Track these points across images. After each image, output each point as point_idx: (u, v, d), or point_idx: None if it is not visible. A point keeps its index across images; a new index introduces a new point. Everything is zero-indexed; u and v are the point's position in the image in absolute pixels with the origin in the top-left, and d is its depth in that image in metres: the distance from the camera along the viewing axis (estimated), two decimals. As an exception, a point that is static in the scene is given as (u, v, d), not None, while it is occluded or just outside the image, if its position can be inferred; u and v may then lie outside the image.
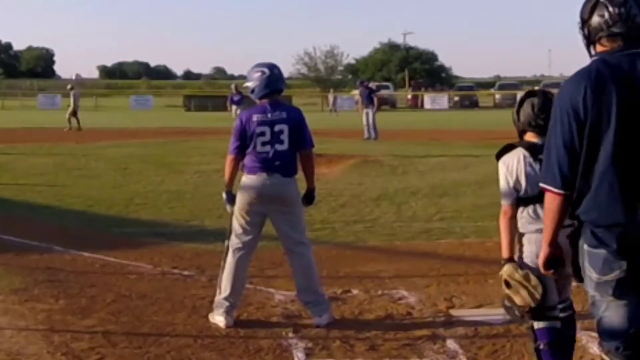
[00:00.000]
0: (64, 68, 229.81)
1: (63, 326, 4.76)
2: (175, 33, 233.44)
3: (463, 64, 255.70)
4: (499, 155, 3.81)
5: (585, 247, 2.76)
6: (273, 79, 4.82)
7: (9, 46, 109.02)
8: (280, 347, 4.43)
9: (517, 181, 3.71)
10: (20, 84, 30.67)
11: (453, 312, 5.11)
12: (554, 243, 2.90)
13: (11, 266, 6.35)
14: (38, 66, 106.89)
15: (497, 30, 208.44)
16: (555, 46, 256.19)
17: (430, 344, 4.48)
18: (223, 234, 8.14)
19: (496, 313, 5.01)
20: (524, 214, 3.73)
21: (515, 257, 3.70)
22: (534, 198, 3.57)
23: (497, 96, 53.71)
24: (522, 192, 3.71)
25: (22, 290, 5.58)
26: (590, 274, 2.74)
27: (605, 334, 2.83)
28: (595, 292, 2.77)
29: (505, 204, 3.78)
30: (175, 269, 6.41)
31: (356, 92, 39.69)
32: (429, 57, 73.09)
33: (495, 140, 20.47)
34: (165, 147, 18.78)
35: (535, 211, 3.63)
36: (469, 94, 54.19)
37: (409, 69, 63.94)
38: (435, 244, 7.49)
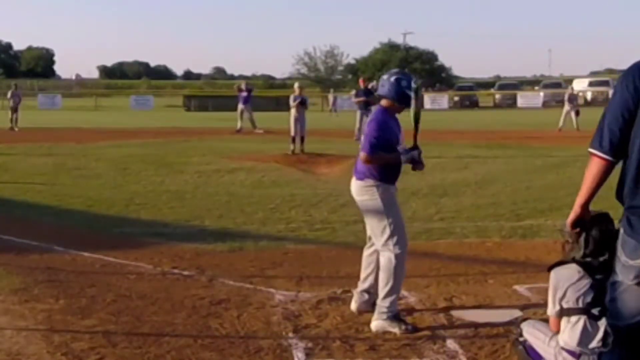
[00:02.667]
0: (64, 68, 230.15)
1: (63, 326, 4.76)
2: (175, 33, 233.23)
3: (463, 64, 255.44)
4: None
5: (621, 231, 3.01)
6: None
7: (9, 46, 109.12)
8: (280, 347, 4.43)
9: None
10: (21, 84, 30.56)
11: (453, 312, 5.10)
12: (586, 206, 3.18)
13: (11, 266, 6.35)
14: (38, 66, 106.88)
15: (497, 30, 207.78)
16: (555, 46, 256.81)
17: (430, 344, 4.48)
18: (223, 234, 8.23)
19: (496, 313, 5.02)
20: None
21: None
22: None
23: (497, 96, 53.76)
24: None
25: (22, 290, 5.58)
26: (620, 255, 2.98)
27: (614, 311, 3.06)
28: (619, 273, 2.99)
29: None
30: (175, 269, 6.41)
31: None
32: (429, 57, 73.17)
33: (495, 140, 20.59)
34: (165, 147, 18.80)
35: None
36: (469, 94, 54.20)
37: (409, 69, 64.02)
38: (435, 244, 7.49)
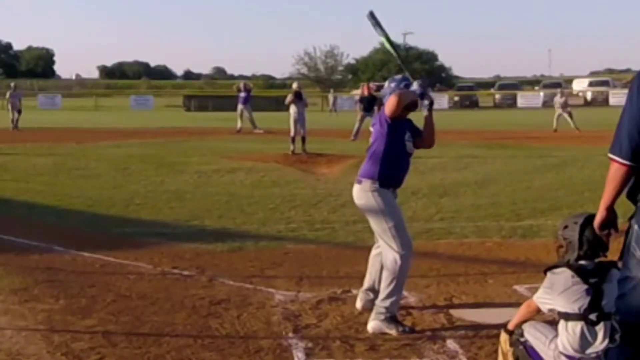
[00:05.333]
0: (64, 68, 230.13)
1: (63, 326, 4.76)
2: (175, 33, 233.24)
3: (463, 64, 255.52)
4: None
5: (636, 227, 3.04)
6: None
7: (9, 46, 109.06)
8: (280, 347, 4.43)
9: None
10: (20, 84, 30.59)
11: (453, 312, 5.11)
12: (611, 208, 3.20)
13: (11, 266, 6.35)
14: (38, 66, 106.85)
15: (497, 30, 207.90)
16: (555, 46, 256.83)
17: (430, 344, 4.48)
18: (223, 234, 8.22)
19: (496, 313, 5.02)
20: None
21: None
22: None
23: (497, 96, 53.78)
24: None
25: (22, 290, 5.58)
26: (635, 251, 3.02)
27: (624, 307, 3.09)
28: (632, 269, 3.02)
29: None
30: (175, 269, 6.40)
31: (357, 92, 39.65)
32: (429, 57, 73.22)
33: (495, 140, 20.59)
34: (165, 147, 18.80)
35: None
36: (469, 94, 54.19)
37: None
38: (435, 244, 7.49)
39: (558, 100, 25.97)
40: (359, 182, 4.90)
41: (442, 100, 51.48)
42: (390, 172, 4.85)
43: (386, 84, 5.12)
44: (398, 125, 4.85)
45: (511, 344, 3.91)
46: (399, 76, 5.16)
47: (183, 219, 9.07)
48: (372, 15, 5.11)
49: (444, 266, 6.56)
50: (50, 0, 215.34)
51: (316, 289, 5.69)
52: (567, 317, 3.65)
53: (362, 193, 4.87)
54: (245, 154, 16.78)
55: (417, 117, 4.99)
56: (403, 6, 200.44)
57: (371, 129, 5.05)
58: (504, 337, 3.98)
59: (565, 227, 3.78)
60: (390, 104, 4.76)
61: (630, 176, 3.07)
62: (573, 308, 3.62)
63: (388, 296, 4.76)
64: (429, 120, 4.98)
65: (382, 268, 4.91)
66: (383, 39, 5.14)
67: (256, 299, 5.43)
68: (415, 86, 4.90)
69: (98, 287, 5.76)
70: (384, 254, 4.84)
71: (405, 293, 5.42)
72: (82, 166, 14.74)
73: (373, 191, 4.81)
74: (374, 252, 5.17)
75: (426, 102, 4.91)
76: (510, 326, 3.97)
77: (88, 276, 6.14)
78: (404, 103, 4.76)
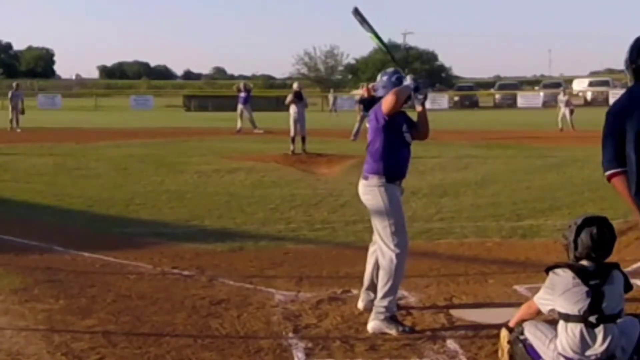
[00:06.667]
0: (64, 68, 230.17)
1: (63, 326, 4.76)
2: (175, 33, 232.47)
3: (463, 64, 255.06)
4: None
5: None
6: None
7: (9, 46, 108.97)
8: (280, 347, 4.43)
9: None
10: (21, 84, 30.48)
11: (453, 312, 5.10)
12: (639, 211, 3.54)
13: (11, 266, 6.35)
14: (38, 66, 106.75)
15: (497, 30, 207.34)
16: (555, 46, 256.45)
17: (430, 344, 4.48)
18: (223, 234, 8.23)
19: (496, 313, 5.02)
20: None
21: None
22: None
23: (497, 96, 53.77)
24: None
25: (22, 290, 5.58)
26: None
27: None
28: None
29: None
30: (175, 269, 6.41)
31: (357, 92, 39.61)
32: (429, 57, 73.16)
33: (495, 140, 20.59)
34: (165, 147, 18.80)
35: None
36: (469, 94, 54.19)
37: (409, 69, 64.01)
38: (435, 244, 7.49)
39: (562, 98, 25.99)
40: (366, 178, 4.93)
41: (442, 100, 51.48)
42: (394, 165, 4.88)
43: (378, 77, 5.15)
44: (394, 120, 4.86)
45: (509, 341, 3.92)
46: (390, 69, 5.18)
47: (183, 219, 9.08)
48: (357, 12, 5.11)
49: (444, 266, 6.56)
50: (50, 0, 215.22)
51: (316, 289, 5.69)
52: (567, 318, 3.65)
53: (369, 189, 4.90)
54: (245, 154, 16.79)
55: (412, 114, 5.02)
56: (403, 6, 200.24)
57: (367, 125, 5.07)
58: (503, 333, 3.99)
59: (569, 226, 3.80)
60: (388, 102, 4.77)
61: (625, 178, 3.47)
62: (573, 309, 3.62)
63: (385, 295, 4.77)
64: (422, 113, 5.03)
65: (378, 267, 4.91)
66: (370, 35, 5.15)
67: (256, 299, 5.43)
68: (408, 80, 4.91)
69: (98, 287, 5.76)
70: (380, 253, 4.85)
71: (405, 293, 5.43)
72: (82, 166, 14.75)
73: (380, 186, 4.84)
74: (371, 249, 5.17)
75: (420, 96, 4.93)
76: (511, 324, 3.98)
77: (88, 276, 6.14)
78: (401, 100, 4.78)
